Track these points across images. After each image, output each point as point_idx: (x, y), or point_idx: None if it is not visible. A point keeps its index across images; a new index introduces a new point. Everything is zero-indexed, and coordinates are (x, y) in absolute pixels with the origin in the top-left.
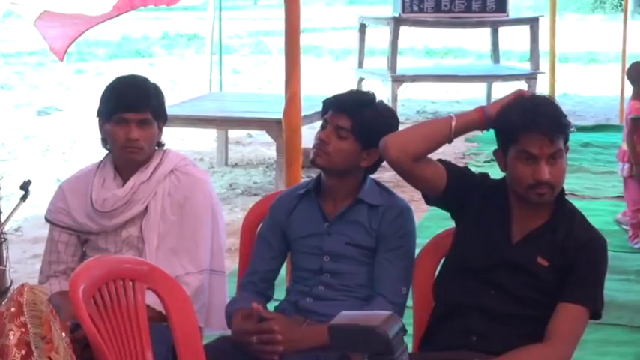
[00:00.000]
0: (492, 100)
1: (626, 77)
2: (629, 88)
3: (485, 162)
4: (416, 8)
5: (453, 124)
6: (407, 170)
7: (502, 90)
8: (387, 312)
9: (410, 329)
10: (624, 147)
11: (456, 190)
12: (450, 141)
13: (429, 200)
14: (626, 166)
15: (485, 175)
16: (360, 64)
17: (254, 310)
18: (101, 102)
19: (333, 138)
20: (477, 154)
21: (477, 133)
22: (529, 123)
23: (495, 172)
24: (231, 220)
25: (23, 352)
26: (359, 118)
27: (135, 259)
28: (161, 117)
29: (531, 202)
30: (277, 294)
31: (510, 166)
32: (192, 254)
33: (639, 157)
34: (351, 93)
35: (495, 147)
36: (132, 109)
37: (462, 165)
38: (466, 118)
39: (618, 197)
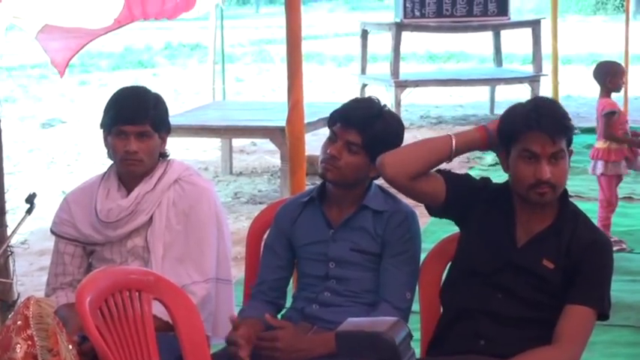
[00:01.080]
0: (496, 103)
1: (593, 77)
2: (632, 90)
3: (490, 165)
4: (417, 13)
5: (453, 143)
6: (404, 187)
7: (505, 93)
8: (393, 318)
9: (417, 334)
10: (598, 145)
11: (456, 199)
12: (449, 160)
13: (431, 211)
14: (600, 163)
15: (487, 180)
16: (363, 71)
17: (234, 320)
18: (103, 114)
19: (344, 153)
20: (481, 157)
21: None
22: (531, 122)
23: (499, 177)
24: (237, 228)
25: None
26: (369, 132)
27: (141, 269)
28: (162, 128)
29: (532, 202)
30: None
31: (512, 165)
32: (198, 263)
33: (628, 141)
34: (359, 105)
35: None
36: (130, 122)
37: (466, 170)
38: (467, 137)
39: (624, 198)
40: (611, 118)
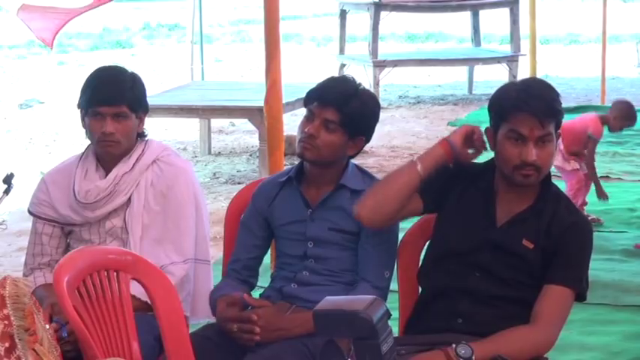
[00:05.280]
0: (474, 83)
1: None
2: (610, 69)
3: None
4: None
5: (419, 168)
6: (385, 225)
7: (484, 73)
8: (371, 296)
9: (396, 313)
10: (560, 164)
11: (432, 201)
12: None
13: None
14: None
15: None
16: (342, 51)
17: (238, 299)
18: (80, 94)
19: (321, 131)
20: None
21: (460, 117)
22: (521, 103)
23: (479, 157)
24: (216, 208)
25: (7, 344)
26: (346, 110)
27: (119, 249)
28: (139, 108)
29: (516, 183)
30: (262, 281)
31: (499, 144)
32: (177, 244)
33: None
34: (334, 84)
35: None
36: (106, 103)
37: None
38: (431, 156)
39: (601, 178)
40: (595, 144)
